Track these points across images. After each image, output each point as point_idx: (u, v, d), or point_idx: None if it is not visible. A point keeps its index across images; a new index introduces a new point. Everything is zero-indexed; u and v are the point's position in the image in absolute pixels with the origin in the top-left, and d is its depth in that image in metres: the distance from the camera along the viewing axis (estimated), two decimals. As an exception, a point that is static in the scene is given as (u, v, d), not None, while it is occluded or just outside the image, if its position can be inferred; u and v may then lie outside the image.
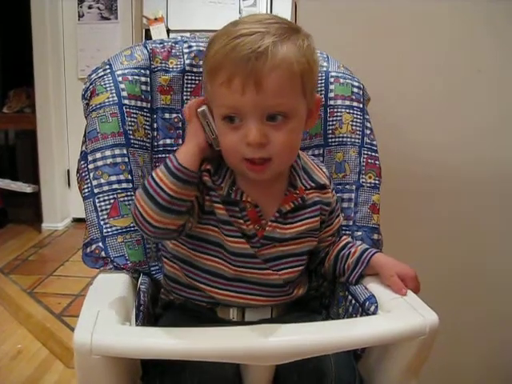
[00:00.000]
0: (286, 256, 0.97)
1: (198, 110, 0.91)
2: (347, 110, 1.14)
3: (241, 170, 0.91)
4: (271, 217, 0.95)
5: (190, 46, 1.15)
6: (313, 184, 0.99)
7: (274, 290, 0.97)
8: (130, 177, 1.06)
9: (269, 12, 4.41)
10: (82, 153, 1.07)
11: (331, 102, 1.14)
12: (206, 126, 0.91)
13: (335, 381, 0.84)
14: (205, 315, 0.97)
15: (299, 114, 0.88)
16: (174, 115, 1.15)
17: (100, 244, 1.01)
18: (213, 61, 0.86)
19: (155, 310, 1.05)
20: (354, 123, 1.13)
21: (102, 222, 1.02)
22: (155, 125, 1.14)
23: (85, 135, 1.08)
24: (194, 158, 0.87)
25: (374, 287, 0.95)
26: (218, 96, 0.87)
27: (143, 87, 1.11)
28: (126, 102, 1.08)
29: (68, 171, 3.79)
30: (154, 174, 0.86)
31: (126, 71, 1.10)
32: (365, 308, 0.92)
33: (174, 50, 1.14)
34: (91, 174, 1.04)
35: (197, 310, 0.98)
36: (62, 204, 3.78)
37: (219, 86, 0.85)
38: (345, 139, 1.13)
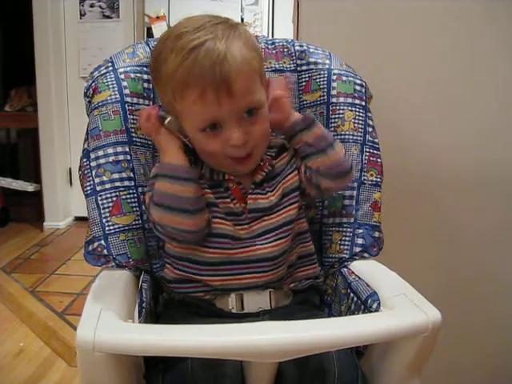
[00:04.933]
0: (272, 229, 0.98)
1: (165, 122, 0.95)
2: (349, 108, 1.14)
3: (224, 168, 0.97)
4: (249, 190, 0.99)
5: None
6: (274, 149, 1.03)
7: (266, 264, 0.97)
8: (132, 175, 1.06)
9: (271, 10, 4.42)
10: (84, 150, 1.07)
11: (333, 100, 1.14)
12: (177, 133, 0.96)
13: (338, 379, 0.84)
14: (204, 309, 0.97)
15: (265, 101, 0.96)
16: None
17: (102, 242, 1.01)
18: (177, 80, 0.88)
19: (157, 308, 1.05)
20: (357, 121, 1.13)
21: (104, 220, 1.02)
22: (157, 122, 1.14)
23: (87, 133, 1.08)
24: (186, 159, 0.95)
25: (376, 284, 0.95)
26: (192, 113, 0.91)
27: (145, 85, 1.11)
28: (129, 99, 1.08)
29: (70, 170, 3.80)
30: (162, 189, 0.92)
31: (128, 69, 1.10)
32: (367, 305, 0.92)
33: (175, 48, 1.14)
34: (93, 172, 1.04)
35: (196, 305, 0.98)
36: (64, 203, 3.78)
37: (192, 103, 0.88)
38: (347, 137, 1.13)
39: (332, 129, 1.14)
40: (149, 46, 1.14)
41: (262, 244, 0.97)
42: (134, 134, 1.08)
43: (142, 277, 1.01)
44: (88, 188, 1.04)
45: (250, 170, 0.98)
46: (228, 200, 0.98)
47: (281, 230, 0.99)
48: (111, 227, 1.02)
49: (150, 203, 0.94)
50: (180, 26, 0.92)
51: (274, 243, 0.98)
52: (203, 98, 0.86)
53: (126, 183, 1.05)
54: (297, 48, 1.19)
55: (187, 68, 0.86)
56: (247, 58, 0.90)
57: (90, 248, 1.02)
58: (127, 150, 1.06)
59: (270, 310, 0.98)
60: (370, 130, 1.14)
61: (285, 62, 1.18)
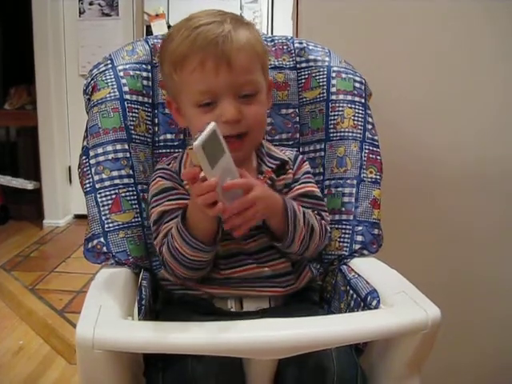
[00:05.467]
0: (269, 247, 0.98)
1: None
2: (349, 105, 1.14)
3: None
4: None
5: None
6: (276, 162, 1.03)
7: (268, 281, 0.97)
8: (131, 172, 1.06)
9: (270, 8, 4.43)
10: (83, 148, 1.07)
11: (333, 97, 1.15)
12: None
13: (337, 376, 0.84)
14: (204, 307, 0.97)
15: (263, 89, 0.97)
16: (175, 110, 1.15)
17: (102, 239, 1.01)
18: (178, 52, 0.91)
19: (156, 305, 1.05)
20: (356, 118, 1.13)
21: (103, 218, 1.02)
22: (156, 120, 1.14)
23: (86, 130, 1.08)
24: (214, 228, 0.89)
25: (375, 282, 0.95)
26: (191, 83, 0.91)
27: (145, 82, 1.11)
28: (128, 97, 1.08)
29: (69, 168, 3.79)
30: (180, 250, 0.89)
31: (127, 66, 1.10)
32: (367, 302, 0.92)
33: (175, 46, 1.15)
34: (93, 169, 1.04)
35: (195, 303, 0.98)
36: (64, 200, 3.78)
37: (190, 72, 0.90)
38: (346, 134, 1.13)
39: (331, 126, 1.14)
40: (148, 43, 1.14)
41: (259, 263, 0.97)
42: (133, 132, 1.08)
43: (141, 274, 1.01)
44: (87, 185, 1.05)
45: (243, 156, 0.96)
46: None
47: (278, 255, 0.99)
48: (110, 225, 1.02)
49: (162, 247, 0.94)
50: (192, 14, 0.96)
51: (272, 262, 0.98)
52: (202, 66, 0.89)
53: (126, 181, 1.05)
54: (296, 45, 1.19)
55: (191, 40, 0.89)
56: (251, 41, 0.92)
57: (90, 245, 1.02)
58: (126, 147, 1.06)
59: (270, 308, 0.98)
60: (370, 127, 1.14)
61: (284, 59, 1.18)
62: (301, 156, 1.09)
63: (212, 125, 0.77)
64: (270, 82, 1.03)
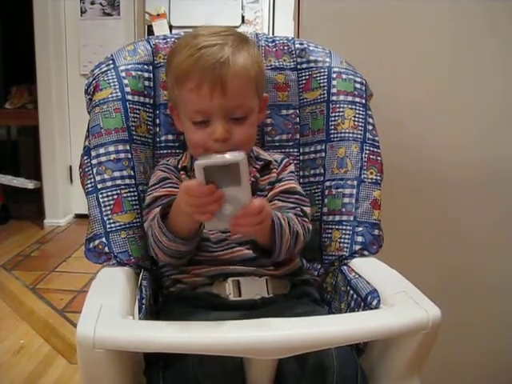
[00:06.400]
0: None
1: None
2: (349, 106, 1.14)
3: None
4: None
5: None
6: (260, 162, 1.08)
7: (260, 262, 1.00)
8: (132, 173, 1.06)
9: (271, 8, 4.43)
10: (84, 148, 1.08)
11: (333, 98, 1.15)
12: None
13: (337, 375, 0.85)
14: (202, 300, 0.98)
15: (255, 111, 1.01)
16: (176, 111, 1.16)
17: (103, 239, 1.02)
18: (180, 68, 0.96)
19: (157, 304, 1.05)
20: (357, 119, 1.14)
21: (105, 218, 1.03)
22: (157, 120, 1.15)
23: (88, 130, 1.08)
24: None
25: (376, 282, 0.95)
26: (188, 101, 0.98)
27: (146, 83, 1.11)
28: (130, 97, 1.09)
29: (70, 167, 3.80)
30: (155, 231, 0.93)
31: (129, 66, 1.10)
32: (367, 302, 0.93)
33: (176, 46, 1.15)
34: (94, 170, 1.05)
35: (193, 297, 0.99)
36: (64, 200, 3.79)
37: (189, 91, 0.95)
38: (347, 135, 1.13)
39: (332, 127, 1.15)
40: (150, 43, 1.14)
41: (243, 246, 1.01)
42: (134, 133, 1.08)
43: (141, 274, 1.02)
44: (89, 186, 1.05)
45: None
46: None
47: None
48: (112, 225, 1.03)
49: (148, 231, 0.98)
50: (199, 29, 1.01)
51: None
52: (199, 89, 0.94)
53: (127, 181, 1.06)
54: (297, 46, 1.19)
55: (193, 60, 0.93)
56: (247, 66, 0.97)
57: (91, 245, 1.02)
58: (128, 148, 1.07)
59: (269, 300, 0.98)
60: (370, 128, 1.14)
61: (285, 60, 1.18)
62: (287, 159, 1.13)
63: (234, 155, 0.77)
64: (265, 98, 1.08)
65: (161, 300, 1.06)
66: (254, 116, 1.01)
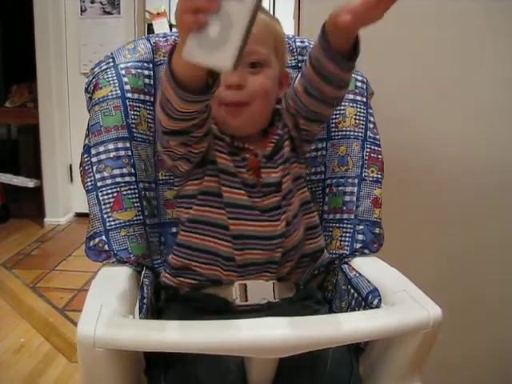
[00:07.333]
0: (282, 206, 0.97)
1: None
2: (350, 104, 1.14)
3: (221, 118, 0.97)
4: (261, 164, 0.98)
5: None
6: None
7: (272, 242, 0.96)
8: (132, 170, 1.06)
9: (272, 6, 4.42)
10: (84, 146, 1.07)
11: (335, 96, 1.14)
12: None
13: (330, 376, 0.85)
14: (207, 303, 0.96)
15: (273, 66, 0.98)
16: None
17: (103, 237, 1.01)
18: None
19: (158, 303, 1.05)
20: (358, 117, 1.13)
21: (105, 216, 1.02)
22: (158, 118, 1.14)
23: (88, 129, 1.08)
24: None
25: (376, 281, 0.95)
26: None
27: (146, 81, 1.11)
28: (129, 95, 1.08)
29: (70, 166, 3.79)
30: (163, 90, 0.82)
31: (129, 65, 1.10)
32: (368, 301, 0.93)
33: (177, 44, 1.15)
34: (94, 168, 1.04)
35: (198, 300, 0.98)
36: (65, 199, 3.79)
37: None
38: (348, 133, 1.13)
39: (333, 125, 1.14)
40: (150, 41, 1.14)
41: (271, 220, 0.96)
42: (134, 130, 1.08)
43: (143, 272, 1.01)
44: (89, 184, 1.04)
45: (242, 126, 0.97)
46: (244, 170, 0.97)
47: (290, 208, 0.99)
48: (112, 223, 1.02)
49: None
50: None
51: (284, 222, 0.97)
52: None
53: (127, 179, 1.05)
54: (298, 44, 1.19)
55: None
56: (266, 21, 0.97)
57: (91, 243, 1.02)
58: (128, 145, 1.06)
59: (275, 304, 0.97)
60: (371, 126, 1.14)
61: (286, 59, 1.18)
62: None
63: None
64: (286, 73, 1.06)
65: (163, 299, 1.06)
66: (272, 71, 0.98)
